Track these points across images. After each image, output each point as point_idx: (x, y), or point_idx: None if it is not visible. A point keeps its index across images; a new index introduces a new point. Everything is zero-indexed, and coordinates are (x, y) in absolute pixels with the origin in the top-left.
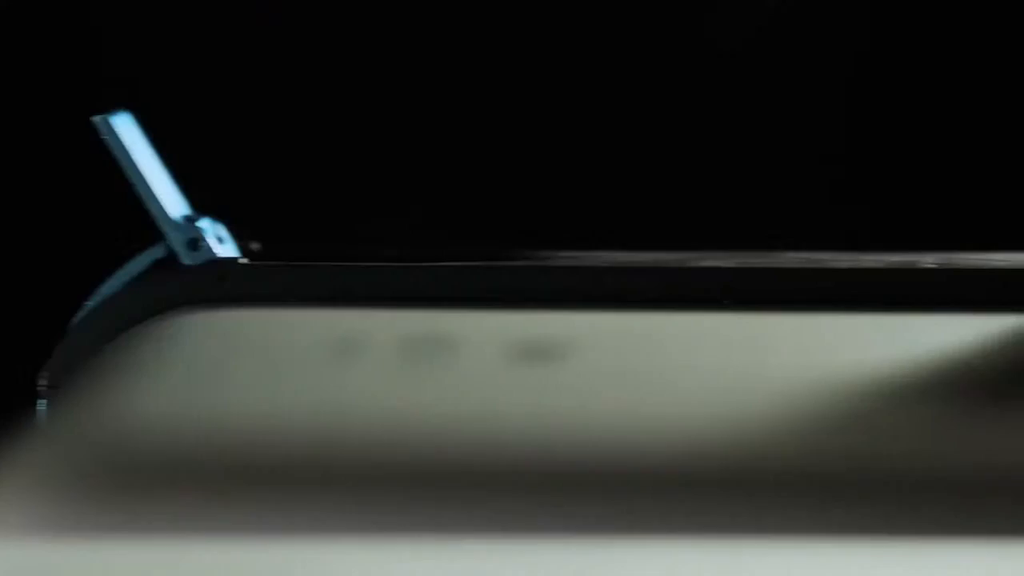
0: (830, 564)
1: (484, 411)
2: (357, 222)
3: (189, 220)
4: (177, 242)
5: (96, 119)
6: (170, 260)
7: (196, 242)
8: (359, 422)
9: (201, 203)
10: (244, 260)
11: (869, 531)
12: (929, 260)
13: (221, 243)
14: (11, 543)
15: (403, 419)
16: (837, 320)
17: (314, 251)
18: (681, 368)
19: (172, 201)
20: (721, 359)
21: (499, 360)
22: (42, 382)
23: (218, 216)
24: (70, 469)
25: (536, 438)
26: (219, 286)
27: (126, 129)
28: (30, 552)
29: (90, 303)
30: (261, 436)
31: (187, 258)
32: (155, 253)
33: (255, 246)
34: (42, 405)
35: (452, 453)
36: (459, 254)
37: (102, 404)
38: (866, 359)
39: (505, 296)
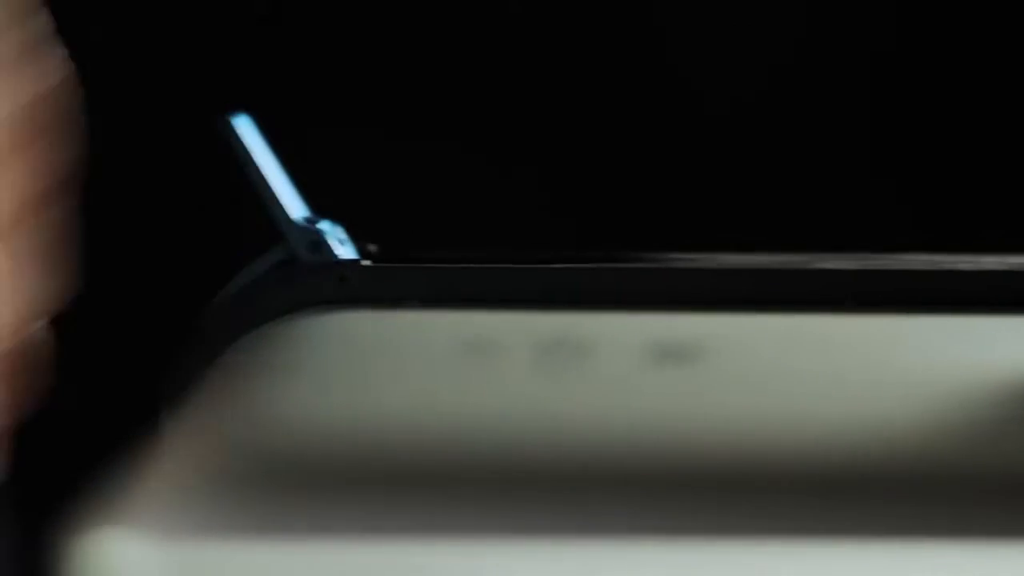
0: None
1: (622, 414)
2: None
3: (310, 222)
4: (299, 244)
5: (217, 121)
6: (292, 262)
7: (318, 244)
8: (492, 426)
9: (317, 206)
10: (365, 262)
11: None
12: None
13: (341, 245)
14: (151, 544)
15: (538, 423)
16: (963, 322)
17: (431, 253)
18: (812, 371)
19: (292, 203)
20: (850, 362)
21: (636, 363)
22: (165, 385)
23: (336, 218)
24: (203, 471)
25: (677, 441)
26: (341, 288)
27: (246, 131)
28: (171, 553)
29: (212, 305)
30: (392, 439)
31: (309, 260)
32: (277, 255)
33: (372, 248)
34: (165, 407)
35: (590, 456)
36: (585, 256)
37: (228, 406)
38: (993, 362)
39: (635, 298)
